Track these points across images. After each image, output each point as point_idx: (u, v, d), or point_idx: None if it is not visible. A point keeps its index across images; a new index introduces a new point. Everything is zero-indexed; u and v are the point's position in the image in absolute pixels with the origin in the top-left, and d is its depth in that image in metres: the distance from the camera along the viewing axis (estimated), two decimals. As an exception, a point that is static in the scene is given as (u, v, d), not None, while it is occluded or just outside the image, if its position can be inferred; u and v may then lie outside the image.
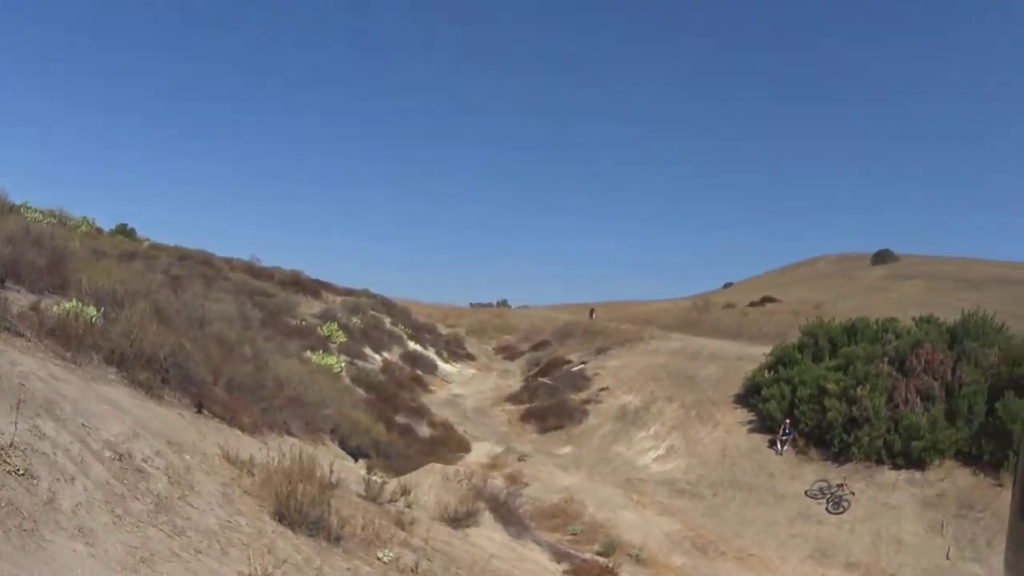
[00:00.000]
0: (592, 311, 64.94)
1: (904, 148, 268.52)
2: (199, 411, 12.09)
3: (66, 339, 10.15)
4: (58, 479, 5.93)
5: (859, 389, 27.24)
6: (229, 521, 7.94)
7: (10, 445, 5.78)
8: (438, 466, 19.31)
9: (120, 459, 7.27)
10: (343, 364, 32.26)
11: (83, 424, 7.31)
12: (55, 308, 11.01)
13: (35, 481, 5.69)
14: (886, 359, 28.75)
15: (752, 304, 65.41)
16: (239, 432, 12.88)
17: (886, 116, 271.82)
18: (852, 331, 32.26)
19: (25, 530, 5.01)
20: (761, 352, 34.82)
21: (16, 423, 6.02)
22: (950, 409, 25.92)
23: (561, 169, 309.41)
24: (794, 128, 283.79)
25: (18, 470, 5.60)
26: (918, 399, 26.50)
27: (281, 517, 9.04)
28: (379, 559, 9.76)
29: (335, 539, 9.47)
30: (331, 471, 10.55)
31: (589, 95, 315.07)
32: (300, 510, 9.13)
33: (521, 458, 28.71)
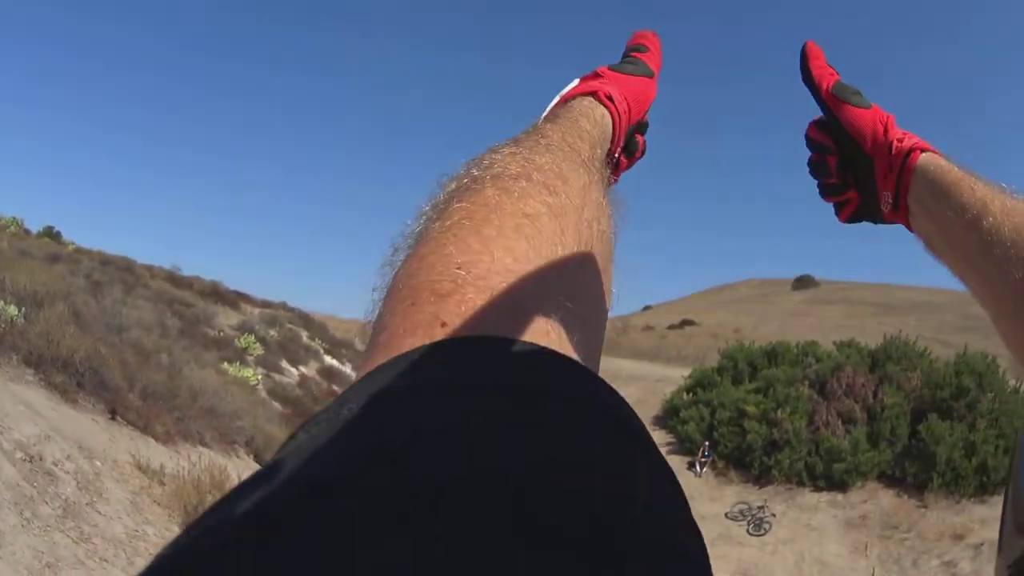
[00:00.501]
0: None
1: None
2: (113, 417, 11.98)
3: (-14, 338, 10.07)
4: (-31, 479, 5.94)
5: (779, 412, 27.36)
6: (137, 530, 7.94)
7: (-78, 442, 5.78)
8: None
9: (31, 461, 7.25)
10: (260, 377, 31.89)
11: (-4, 424, 7.30)
12: (-24, 307, 10.92)
13: (-55, 480, 5.70)
14: (806, 382, 29.09)
15: (671, 327, 65.65)
16: (152, 440, 12.78)
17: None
18: (772, 354, 32.54)
19: (-67, 529, 5.03)
20: (680, 374, 35.02)
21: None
22: (872, 432, 26.16)
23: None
24: (717, 153, 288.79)
25: (-71, 468, 5.60)
26: (839, 422, 26.74)
27: (190, 528, 9.05)
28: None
29: (243, 552, 9.48)
30: (239, 480, 10.55)
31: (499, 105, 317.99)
32: (209, 522, 9.14)
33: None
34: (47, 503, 6.78)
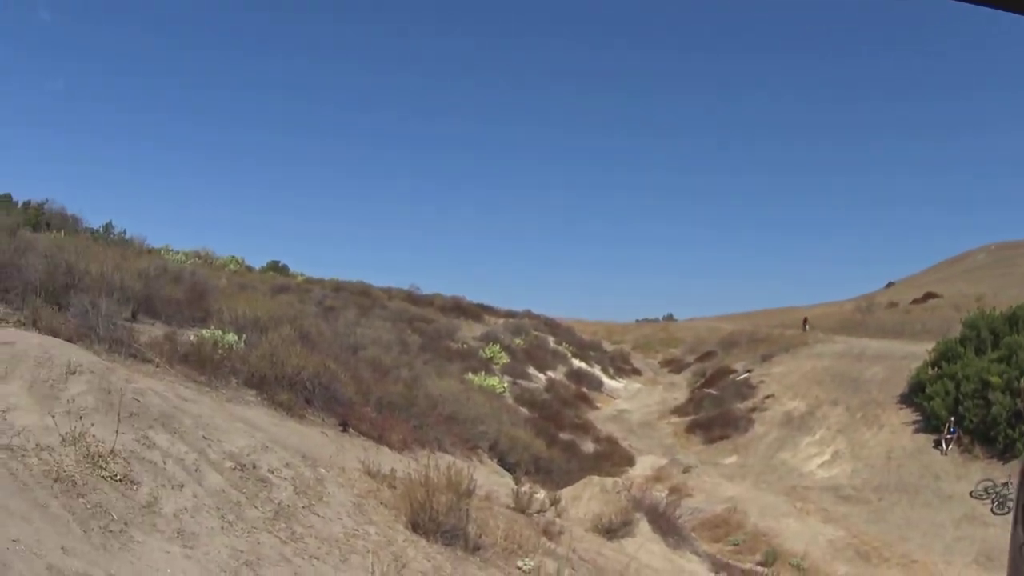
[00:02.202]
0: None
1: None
2: (344, 429, 12.29)
3: (200, 364, 10.48)
4: (163, 485, 6.13)
5: (1022, 380, 25.73)
6: (356, 530, 7.97)
7: (110, 452, 6.00)
8: (596, 478, 19.12)
9: (242, 469, 7.43)
10: (506, 384, 32.48)
11: (204, 437, 7.51)
12: (192, 337, 11.38)
13: (135, 486, 5.89)
14: (1050, 346, 27.21)
15: (914, 301, 62.92)
16: (387, 449, 13.03)
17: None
18: (1014, 320, 30.47)
19: (111, 531, 5.16)
20: (924, 349, 33.30)
21: (119, 432, 6.21)
22: None
23: (720, 181, 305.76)
24: (944, 126, 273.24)
25: (115, 475, 5.81)
26: None
27: (415, 526, 9.01)
28: (519, 568, 9.61)
29: (473, 548, 9.37)
30: (471, 479, 10.46)
31: (736, 110, 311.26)
32: (435, 519, 9.07)
33: (686, 469, 28.28)
34: (256, 507, 6.90)
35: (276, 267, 44.24)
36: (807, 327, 54.71)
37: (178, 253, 26.15)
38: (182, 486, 6.26)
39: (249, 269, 37.74)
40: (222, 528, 6.07)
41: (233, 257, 35.48)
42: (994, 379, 26.37)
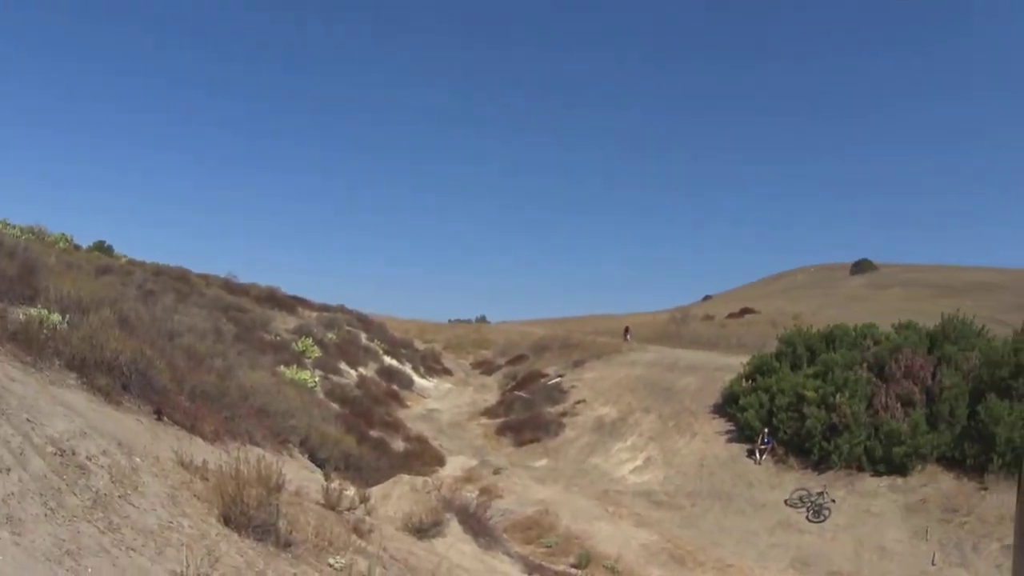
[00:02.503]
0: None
1: (883, 159, 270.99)
2: (159, 418, 12.22)
3: (27, 344, 10.32)
4: (-7, 469, 6.13)
5: (838, 396, 27.33)
6: (171, 522, 8.08)
7: (-57, 434, 5.98)
8: (406, 477, 19.37)
9: (62, 455, 7.46)
10: (317, 379, 32.44)
11: (28, 419, 7.51)
12: (21, 316, 11.18)
13: (-33, 469, 5.90)
14: (865, 365, 28.97)
15: (731, 316, 65.68)
16: (200, 440, 13.00)
17: (864, 128, 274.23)
18: (830, 338, 32.44)
19: (-50, 514, 5.20)
20: (739, 362, 35.06)
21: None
22: (931, 414, 26.03)
23: (540, 186, 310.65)
24: (771, 142, 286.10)
25: (-52, 458, 5.80)
26: (898, 405, 26.62)
27: (227, 520, 9.16)
28: (330, 565, 9.84)
29: (284, 544, 9.57)
30: (281, 474, 10.62)
31: (567, 115, 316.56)
32: (246, 513, 9.24)
33: (496, 471, 28.87)
34: (76, 495, 6.97)
35: (101, 247, 42.95)
36: (628, 336, 56.03)
37: (14, 228, 25.30)
38: (9, 470, 6.30)
39: (77, 248, 36.62)
40: (45, 516, 6.16)
41: (63, 235, 34.42)
42: (809, 394, 28.15)
